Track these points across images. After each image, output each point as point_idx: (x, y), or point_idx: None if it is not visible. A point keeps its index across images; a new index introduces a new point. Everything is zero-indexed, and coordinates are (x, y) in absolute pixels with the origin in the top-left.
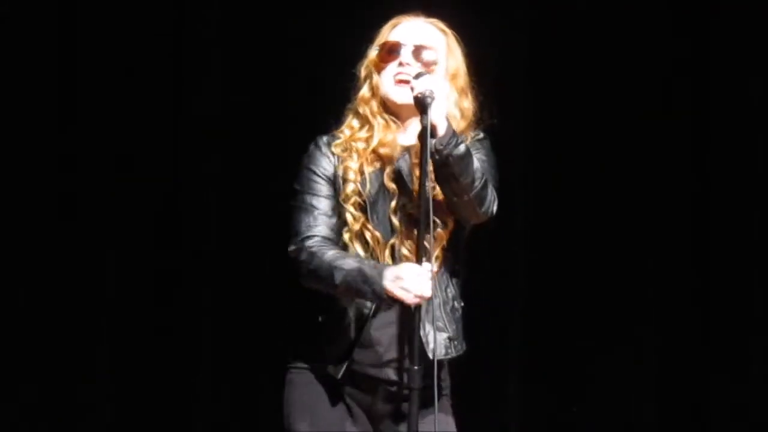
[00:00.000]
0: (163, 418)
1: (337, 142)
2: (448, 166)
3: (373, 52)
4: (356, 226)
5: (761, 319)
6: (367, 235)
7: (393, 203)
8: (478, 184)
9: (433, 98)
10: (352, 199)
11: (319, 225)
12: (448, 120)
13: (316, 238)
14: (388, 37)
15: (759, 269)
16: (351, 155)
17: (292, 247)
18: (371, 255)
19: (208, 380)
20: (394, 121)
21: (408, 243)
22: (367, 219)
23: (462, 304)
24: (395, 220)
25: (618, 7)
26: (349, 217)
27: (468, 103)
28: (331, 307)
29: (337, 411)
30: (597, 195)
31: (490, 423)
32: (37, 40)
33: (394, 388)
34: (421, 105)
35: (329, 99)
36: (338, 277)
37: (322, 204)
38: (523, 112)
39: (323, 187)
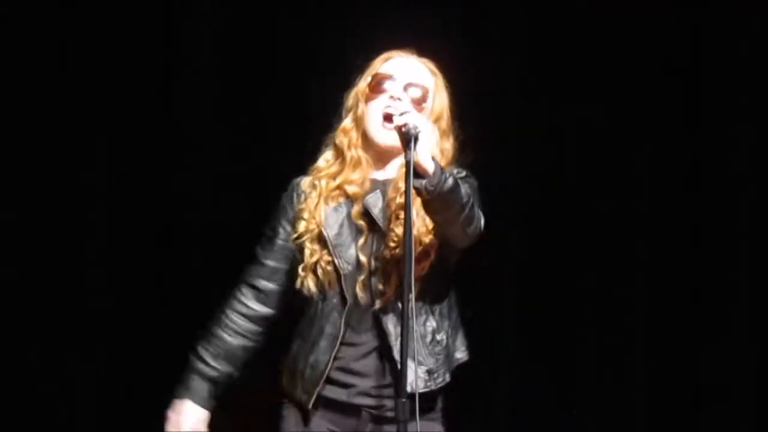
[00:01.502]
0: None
1: (306, 179)
2: (438, 200)
3: (362, 82)
4: (311, 260)
5: (750, 313)
6: (319, 270)
7: (361, 240)
8: (467, 208)
9: (417, 132)
10: (306, 236)
11: (253, 275)
12: (435, 158)
13: (244, 286)
14: (380, 70)
15: (750, 267)
16: (312, 193)
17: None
18: (322, 289)
19: None
20: (368, 159)
21: (381, 279)
22: (329, 254)
23: (445, 336)
24: (362, 257)
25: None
26: (306, 252)
27: (449, 144)
28: (303, 335)
29: None
30: (589, 194)
31: (485, 422)
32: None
33: (375, 412)
34: (405, 138)
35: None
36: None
37: (267, 257)
38: (517, 119)
39: (277, 240)
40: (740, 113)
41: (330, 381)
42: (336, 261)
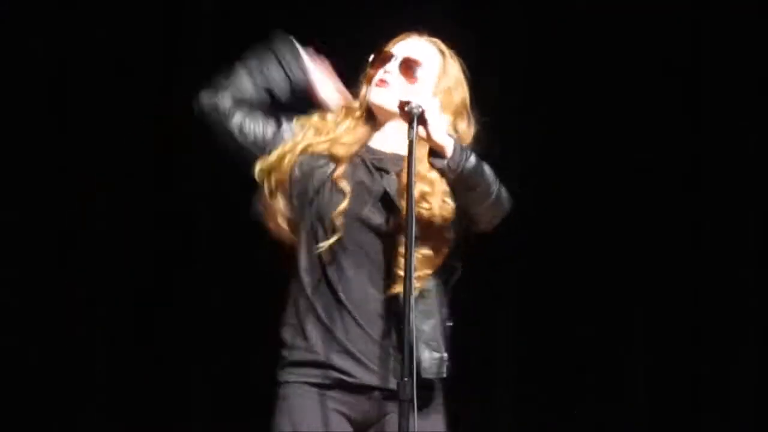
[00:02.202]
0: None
1: (303, 118)
2: (463, 180)
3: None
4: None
5: (750, 313)
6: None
7: (343, 205)
8: (495, 186)
9: (420, 110)
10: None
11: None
12: (452, 136)
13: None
14: (386, 48)
15: (751, 265)
16: (302, 134)
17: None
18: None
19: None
20: (366, 130)
21: (356, 247)
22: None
23: (451, 323)
24: (338, 223)
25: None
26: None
27: (464, 126)
28: (306, 310)
29: (320, 420)
30: (589, 193)
31: (485, 422)
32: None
33: (376, 393)
34: (408, 116)
35: None
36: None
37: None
38: (518, 120)
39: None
40: (740, 113)
41: (344, 359)
42: (308, 222)
